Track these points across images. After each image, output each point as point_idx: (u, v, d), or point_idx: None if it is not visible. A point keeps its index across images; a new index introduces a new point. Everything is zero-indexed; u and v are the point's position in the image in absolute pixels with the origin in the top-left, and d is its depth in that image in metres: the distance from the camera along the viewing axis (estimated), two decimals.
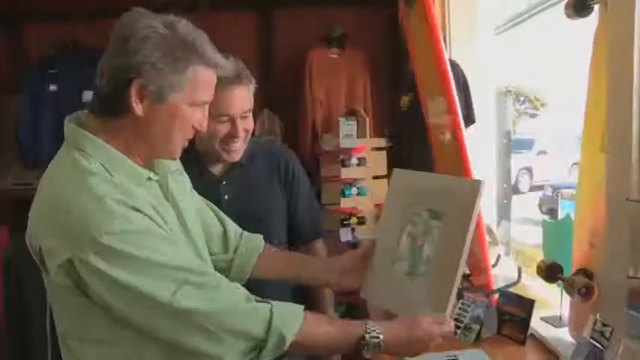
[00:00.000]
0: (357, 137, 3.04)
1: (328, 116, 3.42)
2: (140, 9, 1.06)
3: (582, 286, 1.40)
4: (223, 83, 1.44)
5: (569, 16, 1.43)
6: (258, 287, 1.35)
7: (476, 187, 1.15)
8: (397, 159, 2.38)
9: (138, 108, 1.03)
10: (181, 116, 1.07)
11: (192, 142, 1.59)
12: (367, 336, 1.08)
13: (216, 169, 1.63)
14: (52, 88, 3.29)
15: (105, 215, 0.95)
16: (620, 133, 1.24)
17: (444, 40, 2.35)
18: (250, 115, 1.57)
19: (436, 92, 1.73)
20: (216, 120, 1.50)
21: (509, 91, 2.59)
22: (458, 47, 2.30)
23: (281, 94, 3.65)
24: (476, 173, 2.43)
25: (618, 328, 1.19)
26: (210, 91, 1.11)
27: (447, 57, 1.52)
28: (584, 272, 1.44)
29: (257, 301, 1.07)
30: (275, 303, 1.07)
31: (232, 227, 1.41)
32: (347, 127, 2.94)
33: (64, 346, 1.11)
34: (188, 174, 1.45)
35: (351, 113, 3.23)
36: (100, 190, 0.97)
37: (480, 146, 2.43)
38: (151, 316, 0.99)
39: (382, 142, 3.13)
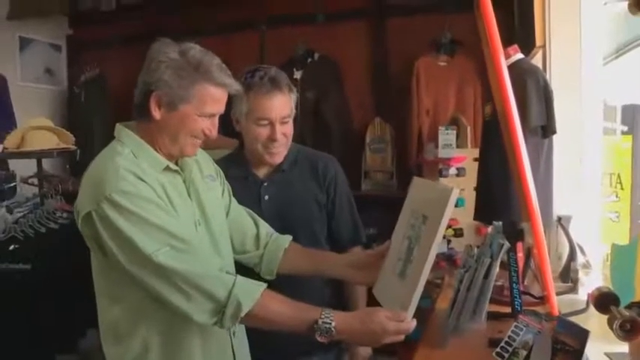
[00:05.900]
0: (458, 147, 2.94)
1: (435, 125, 3.32)
2: (166, 39, 1.31)
3: (627, 321, 1.23)
4: (263, 91, 1.61)
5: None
6: (293, 284, 1.45)
7: (446, 194, 1.17)
8: (481, 173, 2.24)
9: (156, 113, 1.29)
10: (190, 123, 1.30)
11: (241, 147, 1.73)
12: (320, 321, 1.20)
13: (261, 172, 1.74)
14: None
15: (118, 179, 1.21)
16: None
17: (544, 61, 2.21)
18: (290, 121, 1.67)
19: (497, 100, 1.63)
20: (257, 124, 1.64)
21: None
22: (560, 70, 2.16)
23: (393, 102, 3.66)
24: (579, 192, 2.24)
25: None
26: (217, 105, 1.31)
27: (503, 63, 1.43)
28: None
29: (227, 273, 1.27)
30: (240, 277, 1.24)
31: (265, 229, 1.58)
32: (445, 137, 2.85)
33: (98, 305, 1.36)
34: (235, 176, 1.64)
35: (455, 122, 3.13)
36: (120, 163, 1.24)
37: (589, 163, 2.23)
38: (138, 264, 1.20)
39: None
